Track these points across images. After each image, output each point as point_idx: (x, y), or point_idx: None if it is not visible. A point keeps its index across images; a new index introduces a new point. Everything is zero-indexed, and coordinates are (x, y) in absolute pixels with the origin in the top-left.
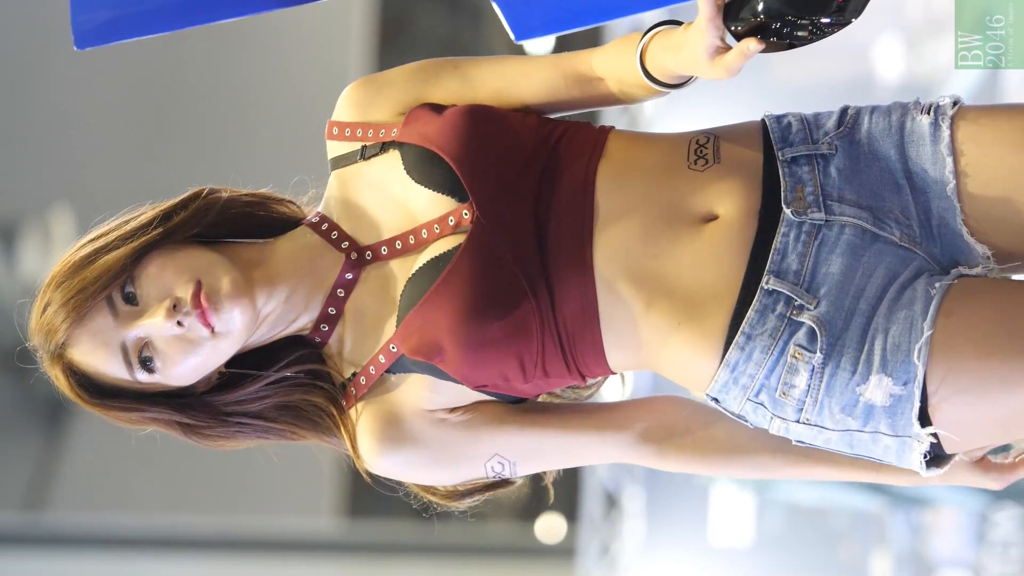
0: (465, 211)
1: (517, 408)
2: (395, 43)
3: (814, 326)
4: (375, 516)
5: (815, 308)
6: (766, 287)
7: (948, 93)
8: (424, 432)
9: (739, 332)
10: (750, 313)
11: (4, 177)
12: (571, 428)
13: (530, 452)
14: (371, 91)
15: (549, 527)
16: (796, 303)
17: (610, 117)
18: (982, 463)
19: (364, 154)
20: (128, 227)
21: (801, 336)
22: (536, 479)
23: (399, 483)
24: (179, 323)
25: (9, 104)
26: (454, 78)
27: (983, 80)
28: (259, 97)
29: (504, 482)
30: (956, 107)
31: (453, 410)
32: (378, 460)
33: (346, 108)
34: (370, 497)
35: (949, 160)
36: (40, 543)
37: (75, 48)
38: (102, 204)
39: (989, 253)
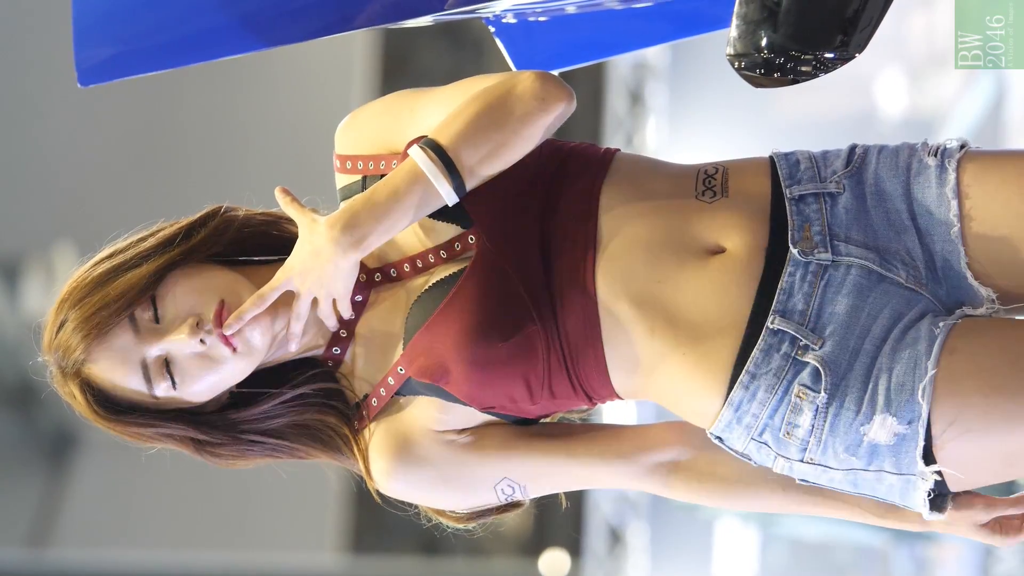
0: (471, 236)
1: (525, 431)
2: (397, 78)
3: (818, 366)
4: (379, 552)
5: (820, 348)
6: (771, 326)
7: (952, 129)
8: (434, 453)
9: (744, 371)
10: (755, 352)
11: (7, 214)
12: (579, 455)
13: (539, 476)
14: (357, 125)
15: (553, 562)
16: (801, 343)
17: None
18: (989, 524)
19: (365, 185)
20: (147, 244)
21: (805, 376)
22: (540, 515)
23: (410, 505)
24: (201, 341)
25: (12, 141)
26: (426, 112)
27: (986, 115)
28: (262, 133)
29: (515, 504)
30: (963, 151)
31: (462, 431)
32: (389, 481)
33: (341, 142)
34: (374, 533)
35: (954, 203)
36: None
37: (79, 85)
38: (105, 241)
39: (994, 296)
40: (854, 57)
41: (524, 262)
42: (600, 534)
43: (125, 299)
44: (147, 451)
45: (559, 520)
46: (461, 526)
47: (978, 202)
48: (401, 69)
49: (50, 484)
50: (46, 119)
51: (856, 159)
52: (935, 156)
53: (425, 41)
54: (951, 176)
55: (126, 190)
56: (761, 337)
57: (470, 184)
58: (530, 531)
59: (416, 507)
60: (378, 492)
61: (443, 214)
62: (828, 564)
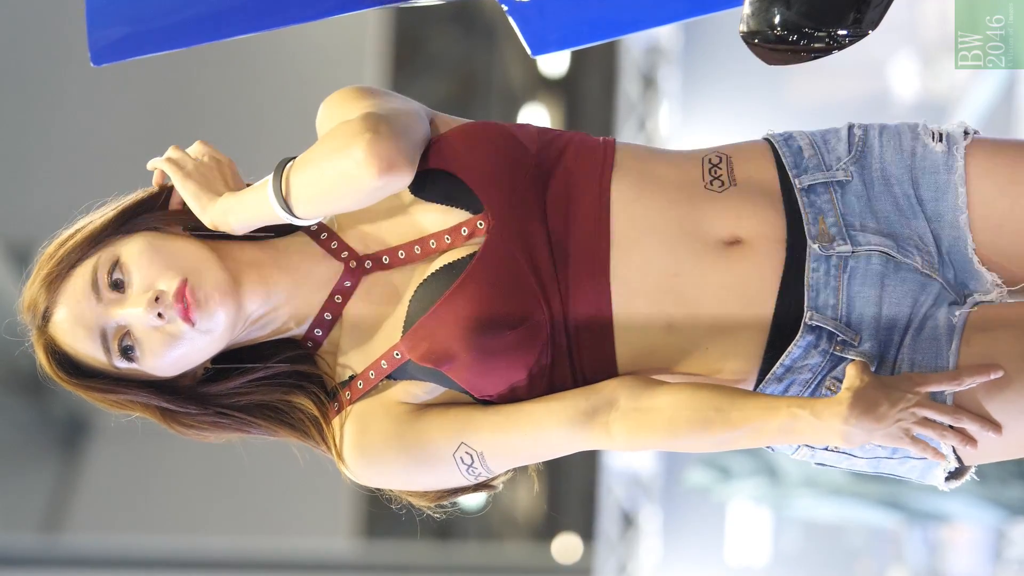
0: (480, 221)
1: (484, 406)
2: (410, 63)
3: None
4: (392, 536)
5: (859, 345)
6: (810, 322)
7: (964, 113)
8: (394, 428)
9: (779, 364)
10: (792, 348)
11: (20, 200)
12: (525, 412)
13: (493, 443)
14: (325, 112)
15: (566, 547)
16: (839, 339)
17: (627, 134)
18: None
19: None
20: (124, 204)
21: (839, 371)
22: (552, 500)
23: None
24: (159, 315)
25: (25, 125)
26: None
27: (998, 98)
28: (275, 118)
29: (485, 484)
30: (969, 137)
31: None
32: (357, 468)
33: (317, 123)
34: (387, 517)
35: (962, 191)
36: (58, 565)
37: (92, 65)
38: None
39: (1000, 280)
40: (867, 34)
41: (534, 252)
42: (612, 518)
43: (85, 244)
44: (160, 437)
45: (571, 505)
46: (430, 507)
47: (987, 195)
48: (413, 53)
49: (63, 470)
50: (59, 102)
51: (857, 143)
52: (941, 142)
53: (437, 26)
54: (959, 163)
55: (139, 174)
56: (799, 333)
57: (299, 211)
58: (543, 516)
59: (389, 495)
60: (349, 479)
61: (452, 199)
62: (841, 546)
